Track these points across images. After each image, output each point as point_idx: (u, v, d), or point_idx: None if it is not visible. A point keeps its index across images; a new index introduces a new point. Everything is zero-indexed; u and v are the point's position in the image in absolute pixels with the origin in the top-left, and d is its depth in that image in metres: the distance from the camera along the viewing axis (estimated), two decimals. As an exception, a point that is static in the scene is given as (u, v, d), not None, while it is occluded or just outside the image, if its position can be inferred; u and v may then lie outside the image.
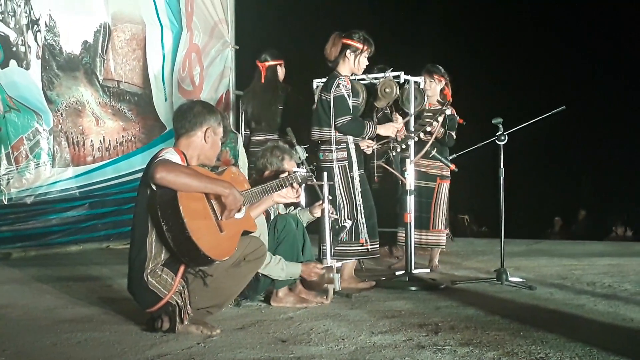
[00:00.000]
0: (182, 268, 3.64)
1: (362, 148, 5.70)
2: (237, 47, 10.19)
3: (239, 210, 3.76)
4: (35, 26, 7.50)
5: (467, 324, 3.99)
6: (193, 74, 9.68)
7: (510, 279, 5.55)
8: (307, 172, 4.62)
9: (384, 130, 5.73)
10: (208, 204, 3.64)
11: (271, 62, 6.86)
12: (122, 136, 8.42)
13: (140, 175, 3.95)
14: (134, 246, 3.70)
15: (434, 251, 6.75)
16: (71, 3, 7.94)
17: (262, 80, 6.88)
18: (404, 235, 6.01)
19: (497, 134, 5.61)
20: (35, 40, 7.51)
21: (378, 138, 5.93)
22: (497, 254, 7.50)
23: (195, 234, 3.45)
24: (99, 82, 8.29)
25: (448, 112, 6.14)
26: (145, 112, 8.87)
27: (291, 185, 4.29)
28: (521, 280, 5.59)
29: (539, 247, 9.21)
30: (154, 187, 3.55)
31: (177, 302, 3.64)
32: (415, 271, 5.90)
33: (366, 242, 5.43)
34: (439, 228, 6.66)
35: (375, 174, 7.10)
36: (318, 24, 6.34)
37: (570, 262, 7.22)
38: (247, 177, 4.46)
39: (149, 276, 3.61)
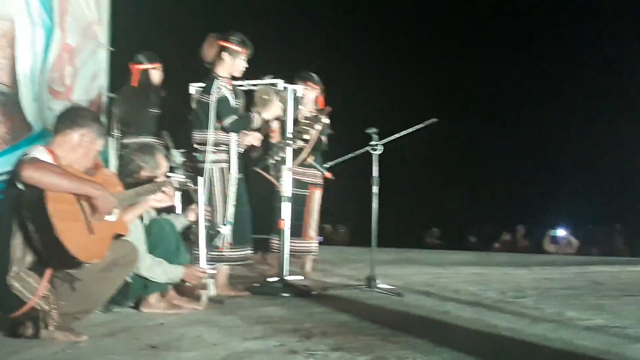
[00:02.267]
0: (48, 272, 3.52)
1: (247, 143, 5.62)
2: (112, 49, 9.93)
3: (110, 213, 3.67)
4: None
5: (338, 330, 4.05)
6: (65, 74, 9.31)
7: (380, 286, 5.68)
8: (183, 177, 4.57)
9: (268, 113, 5.68)
10: (78, 205, 3.53)
11: (146, 65, 6.69)
12: (-13, 136, 8.02)
13: (4, 177, 3.78)
14: (-3, 248, 3.54)
15: (307, 258, 6.81)
16: None
17: (135, 83, 6.71)
18: (277, 242, 6.04)
19: (371, 143, 5.73)
20: None
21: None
22: (367, 261, 7.65)
23: (63, 234, 3.34)
24: (-37, 79, 7.85)
25: (325, 120, 6.22)
26: (12, 112, 8.46)
27: (167, 189, 4.23)
28: (390, 287, 5.73)
29: (407, 255, 9.48)
30: (20, 187, 3.41)
31: (42, 307, 3.50)
32: (288, 278, 5.94)
33: (237, 248, 5.39)
34: (311, 235, 6.72)
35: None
36: (197, 27, 6.25)
37: (437, 270, 7.48)
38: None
39: (12, 279, 3.46)
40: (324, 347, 3.58)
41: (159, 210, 4.89)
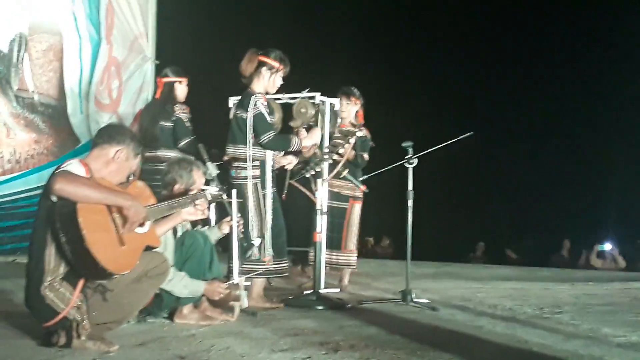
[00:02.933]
0: (81, 282, 3.61)
1: (283, 164, 5.70)
2: (158, 62, 10.13)
3: (142, 225, 3.74)
4: (-54, 33, 7.32)
5: (367, 343, 4.06)
6: (111, 87, 9.57)
7: (415, 299, 5.66)
8: (218, 189, 4.63)
9: (309, 140, 5.75)
10: (109, 217, 3.61)
11: (171, 79, 6.75)
12: (34, 149, 8.26)
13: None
14: (32, 259, 3.64)
15: (345, 271, 6.83)
16: (-15, 13, 7.77)
17: (158, 96, 6.81)
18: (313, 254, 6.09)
19: (406, 157, 5.74)
20: (-54, 48, 7.33)
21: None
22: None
23: (93, 246, 3.42)
24: (12, 92, 8.10)
25: (359, 134, 6.24)
26: (60, 125, 8.72)
27: (200, 202, 4.29)
28: (426, 301, 5.71)
29: (448, 269, 9.41)
30: (53, 199, 3.51)
31: (74, 317, 3.59)
32: (323, 291, 5.96)
33: (274, 261, 5.44)
34: (351, 248, 6.75)
35: (284, 192, 7.16)
36: (238, 42, 6.34)
37: (476, 285, 7.41)
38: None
39: (46, 290, 3.56)
40: (350, 360, 3.60)
41: (194, 223, 4.96)
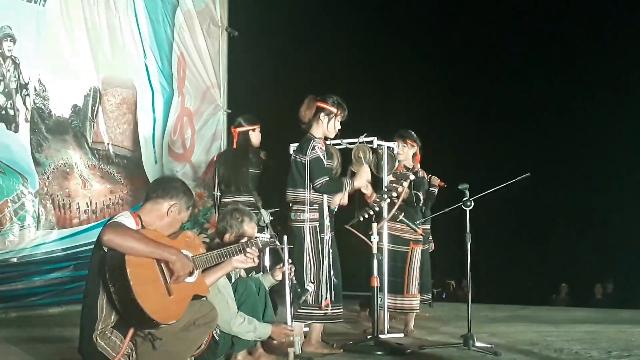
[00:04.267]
0: (131, 331, 3.70)
1: (336, 204, 5.74)
2: (229, 111, 10.37)
3: (191, 274, 3.84)
4: (25, 90, 7.69)
5: (417, 389, 4.03)
6: (185, 137, 9.84)
7: (477, 344, 5.57)
8: (270, 237, 4.69)
9: (359, 179, 5.79)
10: (158, 267, 3.71)
11: (245, 128, 6.95)
12: (110, 199, 8.54)
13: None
14: (85, 307, 3.77)
15: (409, 316, 6.78)
16: (61, 67, 8.13)
17: (234, 145, 6.99)
18: (381, 299, 6.10)
19: (464, 199, 5.71)
20: (24, 103, 7.69)
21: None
22: (478, 319, 7.56)
23: (141, 296, 3.52)
24: (88, 145, 8.43)
25: (412, 177, 6.24)
26: (134, 175, 9.00)
27: (250, 250, 4.35)
28: (488, 345, 5.61)
29: (523, 312, 9.21)
30: (105, 249, 3.65)
31: (125, 365, 3.69)
32: (384, 336, 5.94)
33: (331, 306, 5.45)
34: (413, 292, 6.70)
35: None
36: (302, 89, 6.47)
37: (548, 328, 7.22)
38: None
39: (98, 337, 3.67)
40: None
41: (248, 270, 5.04)
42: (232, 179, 6.74)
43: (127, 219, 3.78)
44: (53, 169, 7.98)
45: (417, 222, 6.50)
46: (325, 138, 5.79)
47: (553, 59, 16.20)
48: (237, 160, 6.81)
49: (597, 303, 12.81)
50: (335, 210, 5.75)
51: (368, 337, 5.91)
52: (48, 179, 7.88)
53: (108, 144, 8.67)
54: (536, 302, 11.70)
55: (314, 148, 5.54)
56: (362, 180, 5.80)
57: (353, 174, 6.49)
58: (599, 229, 16.27)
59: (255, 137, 6.95)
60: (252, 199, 6.48)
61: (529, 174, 5.75)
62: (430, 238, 7.93)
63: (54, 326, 6.66)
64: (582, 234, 16.60)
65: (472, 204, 5.68)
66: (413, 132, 6.84)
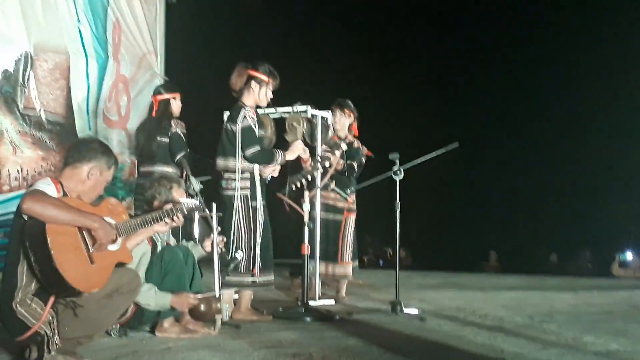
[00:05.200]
0: (52, 298, 3.68)
1: (267, 174, 5.75)
2: (167, 79, 10.23)
3: (114, 242, 3.83)
4: (-49, 55, 7.49)
5: (340, 354, 4.10)
6: (120, 104, 9.67)
7: (405, 310, 5.68)
8: (195, 201, 4.66)
9: (292, 153, 5.82)
10: (80, 235, 3.69)
11: (165, 96, 6.91)
12: (41, 166, 8.37)
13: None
14: (5, 275, 3.73)
15: (341, 283, 6.87)
16: (-10, 32, 7.92)
17: (154, 113, 6.94)
18: (313, 266, 6.18)
19: (394, 168, 5.78)
20: (-48, 68, 7.49)
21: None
22: (410, 286, 7.71)
23: (62, 266, 3.50)
24: (19, 111, 8.23)
25: (344, 146, 6.29)
26: (68, 142, 8.77)
27: (176, 216, 4.35)
28: (415, 311, 5.73)
29: (453, 279, 9.41)
30: (25, 218, 3.61)
31: (45, 332, 3.67)
32: (315, 302, 6.02)
33: (258, 273, 5.49)
34: (346, 260, 6.79)
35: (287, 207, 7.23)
36: (241, 58, 6.44)
37: (476, 294, 7.41)
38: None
39: (18, 305, 3.64)
40: (316, 372, 3.64)
41: (178, 237, 5.05)
42: (147, 147, 6.71)
43: (47, 185, 3.73)
44: (-19, 135, 7.80)
45: (348, 190, 6.56)
46: (258, 107, 5.79)
47: (485, 26, 16.36)
48: (153, 128, 6.77)
49: (529, 270, 13.12)
50: (268, 179, 5.77)
51: (298, 304, 5.98)
52: (-25, 145, 7.70)
53: (40, 110, 8.48)
54: (468, 269, 11.97)
55: (245, 117, 5.54)
56: (294, 154, 5.83)
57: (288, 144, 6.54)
58: (529, 196, 16.62)
59: (176, 105, 6.90)
60: (170, 170, 6.47)
61: (457, 143, 5.85)
62: None
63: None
64: (512, 202, 16.94)
65: (402, 173, 5.76)
66: (350, 102, 6.88)
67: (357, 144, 6.79)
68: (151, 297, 4.48)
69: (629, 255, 14.03)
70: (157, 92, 6.96)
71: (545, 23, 15.70)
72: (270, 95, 5.78)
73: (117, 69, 9.63)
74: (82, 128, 9.08)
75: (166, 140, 6.68)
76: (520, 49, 16.05)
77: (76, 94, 9.06)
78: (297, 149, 5.82)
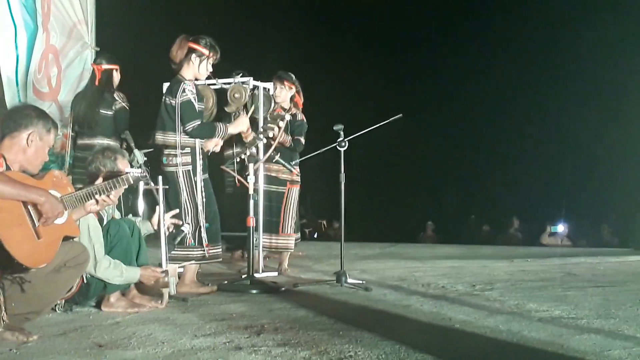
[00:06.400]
0: (-3, 274, 3.58)
1: (209, 148, 5.68)
2: (98, 49, 9.99)
3: (60, 216, 3.72)
4: None
5: (292, 325, 4.10)
6: (50, 75, 9.40)
7: (349, 281, 5.73)
8: (141, 171, 4.57)
9: (235, 127, 5.77)
10: (24, 210, 3.57)
11: (106, 66, 6.79)
12: (-30, 139, 8.12)
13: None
14: (-53, 252, 3.60)
15: (283, 255, 6.88)
16: None
17: (97, 83, 6.80)
18: (256, 239, 6.15)
19: (338, 140, 5.79)
20: None
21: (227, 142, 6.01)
22: (350, 257, 7.77)
23: (7, 242, 3.39)
24: (-56, 83, 7.95)
25: (288, 117, 6.27)
26: (-3, 114, 8.55)
27: (121, 186, 4.25)
28: (360, 282, 5.79)
29: (392, 250, 9.52)
30: (-34, 192, 3.48)
31: (-9, 308, 3.57)
32: (258, 275, 6.01)
33: (207, 247, 5.45)
34: (288, 232, 6.79)
35: (227, 179, 7.19)
36: (176, 28, 6.31)
37: (415, 264, 7.52)
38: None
39: (-38, 282, 3.54)
40: (271, 343, 3.63)
41: (124, 212, 4.96)
42: (88, 118, 6.57)
43: (-11, 160, 3.61)
44: None
45: (293, 162, 6.55)
46: (197, 80, 5.70)
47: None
48: (92, 100, 6.63)
49: (463, 240, 13.38)
50: (209, 152, 5.70)
51: (243, 276, 5.95)
52: None
53: (-32, 81, 8.20)
54: (404, 240, 12.12)
55: (184, 90, 5.45)
56: (238, 129, 5.78)
57: (228, 115, 6.47)
58: (464, 169, 16.94)
59: (117, 77, 6.81)
60: (110, 142, 6.36)
61: (400, 114, 5.89)
62: None
63: None
64: (446, 174, 17.23)
65: (347, 144, 5.77)
66: (292, 74, 6.83)
67: (300, 116, 6.76)
68: (119, 272, 4.40)
69: (560, 227, 14.44)
70: (98, 62, 6.80)
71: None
72: (210, 69, 5.69)
73: (46, 39, 9.34)
74: (11, 100, 8.80)
75: (109, 113, 6.56)
76: (459, 14, 16.18)
77: (5, 65, 8.77)
78: (242, 124, 5.77)
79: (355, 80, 16.38)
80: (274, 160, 6.30)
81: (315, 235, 15.85)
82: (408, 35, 16.65)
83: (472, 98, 16.22)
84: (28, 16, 9.02)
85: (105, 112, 6.57)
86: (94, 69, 6.89)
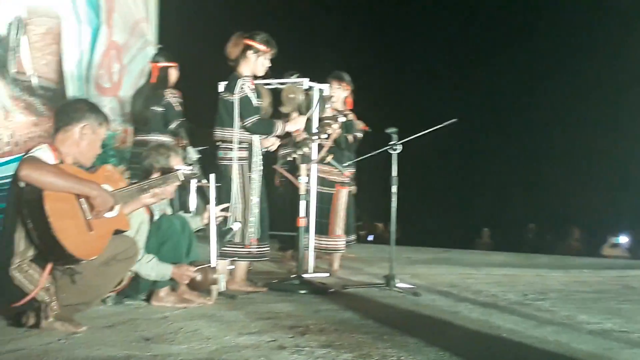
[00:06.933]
0: (49, 265, 3.65)
1: (266, 146, 5.71)
2: (160, 46, 10.13)
3: (111, 209, 3.78)
4: (-57, 16, 7.38)
5: (337, 327, 4.09)
6: (112, 71, 9.58)
7: (399, 285, 5.68)
8: (191, 169, 4.60)
9: (293, 126, 5.78)
10: (77, 203, 3.64)
11: (166, 64, 6.88)
12: (33, 131, 8.29)
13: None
14: (2, 241, 3.69)
15: (334, 256, 6.86)
16: (-19, -5, 7.81)
17: (154, 80, 6.89)
18: (306, 239, 6.16)
19: (390, 143, 5.75)
20: (-57, 30, 7.39)
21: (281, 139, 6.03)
22: (402, 261, 7.72)
23: (60, 233, 3.46)
24: (10, 75, 8.15)
25: (341, 119, 6.25)
26: (59, 108, 8.73)
27: (173, 183, 4.30)
28: (409, 286, 5.73)
29: (446, 255, 9.42)
30: (21, 184, 3.56)
31: (43, 298, 3.65)
32: (308, 275, 6.01)
33: (255, 245, 5.47)
34: (338, 234, 6.77)
35: (280, 178, 7.21)
36: (236, 26, 6.36)
37: (468, 271, 7.42)
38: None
39: (15, 271, 3.61)
40: (314, 344, 3.63)
41: (175, 207, 5.01)
42: (144, 116, 6.67)
43: (44, 152, 3.69)
44: (-27, 98, 7.72)
45: (345, 164, 6.54)
46: (255, 77, 5.73)
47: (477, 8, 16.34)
48: (151, 96, 6.73)
49: (520, 248, 13.17)
50: (265, 150, 5.73)
51: (292, 276, 5.96)
52: (-33, 109, 7.62)
53: (32, 75, 8.39)
54: (459, 246, 11.99)
55: (242, 87, 5.49)
56: (295, 127, 5.80)
57: (283, 115, 6.49)
58: (524, 175, 16.68)
59: (174, 75, 6.90)
60: (165, 139, 6.45)
61: (456, 119, 5.81)
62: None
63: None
64: (507, 180, 16.99)
65: (400, 147, 5.72)
66: (347, 75, 6.83)
67: (351, 116, 6.76)
68: (152, 268, 4.45)
69: (622, 239, 14.13)
70: (155, 59, 6.91)
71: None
72: (267, 64, 5.71)
73: (109, 35, 9.52)
74: (73, 94, 8.99)
75: (160, 109, 6.65)
76: (520, 22, 15.99)
77: (68, 60, 8.97)
78: (299, 123, 5.79)
79: (412, 83, 16.28)
80: (325, 162, 6.28)
81: (372, 238, 15.79)
82: (467, 38, 16.50)
83: (536, 101, 15.97)
84: (92, 12, 9.21)
85: (157, 108, 6.67)
86: (151, 67, 6.97)
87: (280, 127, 5.59)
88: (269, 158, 5.98)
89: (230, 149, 5.48)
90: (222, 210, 5.18)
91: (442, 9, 16.48)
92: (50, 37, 8.72)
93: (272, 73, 5.97)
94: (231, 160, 5.48)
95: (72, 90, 8.98)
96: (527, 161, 16.69)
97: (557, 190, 16.20)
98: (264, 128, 5.53)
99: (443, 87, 16.49)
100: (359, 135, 7.24)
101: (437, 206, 17.15)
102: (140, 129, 6.82)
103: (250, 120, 5.42)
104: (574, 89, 15.40)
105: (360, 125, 7.41)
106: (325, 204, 6.68)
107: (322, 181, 6.64)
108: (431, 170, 16.60)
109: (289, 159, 6.00)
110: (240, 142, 5.48)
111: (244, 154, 5.49)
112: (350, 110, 6.86)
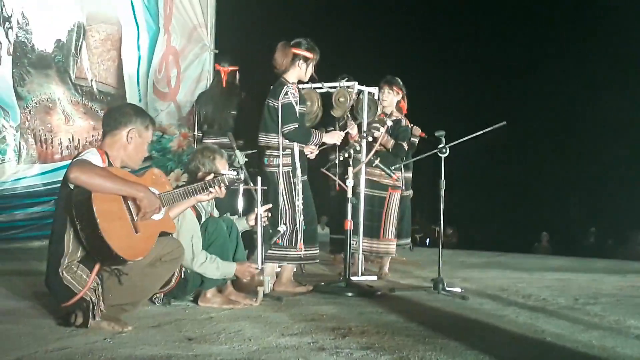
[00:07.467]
0: (97, 265, 3.76)
1: (305, 153, 5.77)
2: (216, 51, 10.31)
3: (157, 212, 3.88)
4: (7, 23, 7.64)
5: (379, 330, 4.10)
6: (170, 76, 9.80)
7: (447, 288, 5.66)
8: (237, 174, 4.66)
9: (329, 138, 5.85)
10: (124, 205, 3.75)
11: (233, 67, 6.99)
12: (92, 135, 8.56)
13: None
14: (53, 242, 3.82)
15: (384, 259, 6.88)
16: (44, 1, 8.08)
17: (224, 85, 6.99)
18: (356, 242, 6.19)
19: (439, 146, 5.74)
20: (7, 36, 7.65)
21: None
22: (454, 264, 7.68)
23: (108, 234, 3.57)
24: (71, 80, 8.42)
25: (389, 123, 6.26)
26: (118, 112, 8.96)
27: (218, 187, 4.38)
28: (457, 290, 5.71)
29: (499, 259, 9.33)
30: (71, 187, 3.68)
31: (90, 299, 3.76)
32: (357, 278, 6.03)
33: (303, 248, 5.53)
34: (389, 237, 6.78)
35: (337, 184, 7.25)
36: (291, 32, 6.43)
37: (521, 275, 7.34)
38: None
39: (64, 272, 3.73)
40: (354, 346, 3.65)
41: (222, 210, 5.09)
42: (217, 119, 6.78)
43: (93, 155, 3.80)
44: (35, 103, 7.98)
45: (392, 167, 6.54)
46: (300, 82, 5.79)
47: (529, 14, 16.16)
48: (224, 100, 6.84)
49: (579, 252, 12.94)
50: (308, 155, 5.79)
51: (340, 278, 6.00)
52: (30, 113, 7.89)
53: (92, 80, 8.65)
54: (518, 250, 11.85)
55: (286, 93, 5.56)
56: (332, 140, 5.86)
57: (336, 118, 6.54)
58: (586, 178, 16.40)
59: (238, 78, 7.01)
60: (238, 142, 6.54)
61: (505, 122, 5.77)
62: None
63: (32, 259, 6.73)
64: (569, 183, 16.72)
65: (448, 150, 5.71)
66: (399, 80, 6.85)
67: (405, 122, 6.77)
68: (217, 268, 4.55)
69: None
70: (224, 64, 7.02)
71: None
72: (312, 70, 5.78)
73: (167, 41, 9.74)
74: (132, 99, 9.25)
75: (234, 112, 6.79)
76: (572, 26, 15.77)
77: (127, 65, 9.22)
78: (335, 138, 5.85)
79: (463, 86, 16.17)
80: (373, 165, 6.30)
81: (428, 242, 15.71)
82: (517, 41, 16.32)
83: (594, 104, 15.68)
84: (150, 18, 9.43)
85: (234, 112, 6.80)
86: (219, 71, 7.07)
87: (317, 138, 5.64)
88: (318, 161, 6.02)
89: (276, 156, 5.56)
90: (266, 210, 5.24)
91: (495, 14, 16.34)
92: (110, 43, 8.97)
93: (322, 76, 6.02)
94: (277, 167, 5.56)
95: (130, 95, 9.20)
96: (590, 164, 16.39)
97: (619, 193, 15.87)
98: (301, 136, 5.59)
99: (495, 89, 16.33)
100: (415, 140, 7.25)
101: (498, 210, 16.98)
102: (212, 132, 6.87)
103: (289, 127, 5.50)
104: (634, 93, 15.09)
105: (417, 131, 7.40)
106: (377, 207, 6.70)
107: (373, 184, 6.66)
108: (493, 175, 16.47)
109: (335, 161, 6.03)
110: (284, 149, 5.55)
111: (288, 160, 5.57)
112: (405, 115, 6.87)
